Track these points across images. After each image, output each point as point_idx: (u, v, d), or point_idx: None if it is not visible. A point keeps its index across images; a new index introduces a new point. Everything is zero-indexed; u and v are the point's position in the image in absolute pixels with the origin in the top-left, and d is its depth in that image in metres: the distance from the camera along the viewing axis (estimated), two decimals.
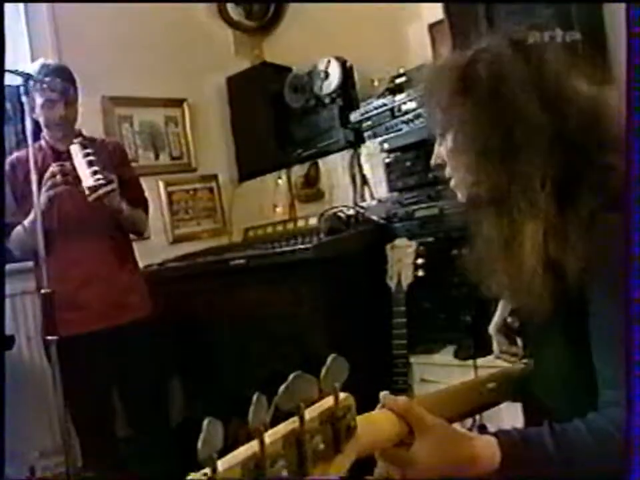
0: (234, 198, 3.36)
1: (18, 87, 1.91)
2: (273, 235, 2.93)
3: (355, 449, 0.61)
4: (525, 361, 1.17)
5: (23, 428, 2.40)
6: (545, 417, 1.00)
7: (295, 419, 0.55)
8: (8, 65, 1.75)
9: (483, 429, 1.60)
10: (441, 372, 2.02)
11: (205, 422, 0.50)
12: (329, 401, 0.59)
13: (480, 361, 1.84)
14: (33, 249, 2.01)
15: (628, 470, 0.77)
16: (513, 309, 1.17)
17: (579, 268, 0.84)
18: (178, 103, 3.20)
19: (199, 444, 0.49)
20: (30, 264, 2.22)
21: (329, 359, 0.60)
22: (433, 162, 1.05)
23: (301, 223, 2.92)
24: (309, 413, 0.56)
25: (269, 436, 0.54)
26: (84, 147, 1.98)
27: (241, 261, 2.28)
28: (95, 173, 1.92)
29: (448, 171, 1.03)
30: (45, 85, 1.99)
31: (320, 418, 0.58)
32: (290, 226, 2.97)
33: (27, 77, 1.90)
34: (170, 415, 2.47)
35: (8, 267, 2.34)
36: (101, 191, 1.91)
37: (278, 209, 3.16)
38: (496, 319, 1.29)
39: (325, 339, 2.12)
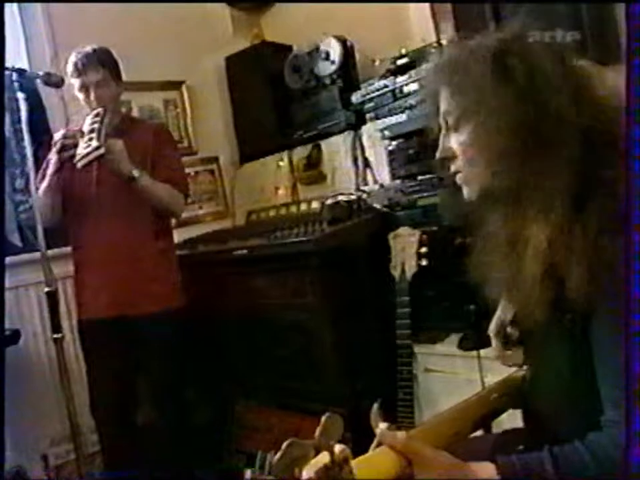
0: (235, 180, 3.34)
1: (12, 81, 1.90)
2: (276, 219, 2.92)
3: None
4: (525, 367, 1.16)
5: (33, 417, 2.44)
6: (545, 424, 1.01)
7: None
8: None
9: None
10: (445, 362, 2.03)
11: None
12: (325, 457, 0.58)
13: (483, 352, 1.84)
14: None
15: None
16: (512, 319, 1.15)
17: (583, 281, 0.82)
18: (176, 85, 3.15)
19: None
20: (35, 255, 2.22)
21: (323, 418, 0.59)
22: (439, 155, 1.00)
23: (303, 206, 2.89)
24: (305, 472, 0.56)
25: None
26: (96, 115, 1.99)
27: (244, 252, 2.27)
28: (89, 140, 1.93)
29: (458, 165, 0.98)
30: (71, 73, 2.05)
31: (317, 476, 0.57)
32: (293, 209, 2.95)
33: (20, 72, 1.87)
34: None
35: (11, 259, 2.37)
36: (90, 156, 1.90)
37: (280, 191, 3.13)
38: (495, 320, 1.28)
39: (328, 328, 2.13)
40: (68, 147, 1.97)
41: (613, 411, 0.83)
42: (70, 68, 2.10)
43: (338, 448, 0.60)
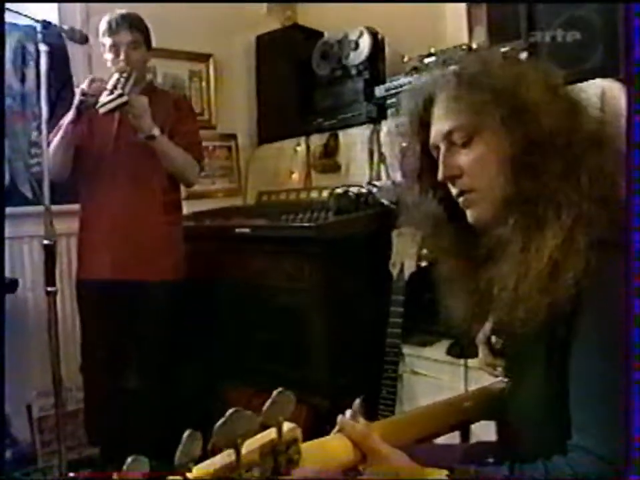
0: (251, 160, 3.33)
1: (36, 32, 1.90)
2: (286, 202, 2.91)
3: None
4: (505, 380, 1.14)
5: (22, 367, 2.45)
6: (517, 439, 0.99)
7: (232, 451, 0.54)
8: None
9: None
10: (432, 366, 2.01)
11: (185, 434, 0.52)
12: (272, 433, 0.58)
13: (470, 362, 1.83)
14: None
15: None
16: (494, 327, 1.13)
17: (571, 293, 0.81)
18: (204, 57, 3.14)
19: (177, 454, 0.51)
20: (41, 208, 2.24)
21: (274, 394, 0.58)
22: (443, 174, 0.94)
23: (314, 194, 2.88)
24: (249, 445, 0.55)
25: (203, 467, 0.53)
26: (122, 72, 2.01)
27: (246, 230, 2.27)
28: (113, 89, 1.95)
29: (465, 183, 0.93)
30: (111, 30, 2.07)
31: (260, 450, 0.56)
32: (303, 195, 2.93)
33: (44, 24, 1.87)
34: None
35: (18, 210, 2.39)
36: (113, 104, 1.93)
37: (294, 176, 3.11)
38: (484, 329, 1.27)
39: (321, 316, 2.12)
40: (91, 93, 1.98)
41: (577, 436, 0.82)
42: (103, 27, 2.11)
43: (287, 426, 0.59)
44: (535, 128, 0.86)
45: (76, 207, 2.31)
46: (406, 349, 2.05)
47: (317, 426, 2.00)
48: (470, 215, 0.95)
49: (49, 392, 2.55)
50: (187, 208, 2.95)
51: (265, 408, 0.56)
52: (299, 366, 2.16)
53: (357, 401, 0.81)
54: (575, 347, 0.83)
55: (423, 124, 1.00)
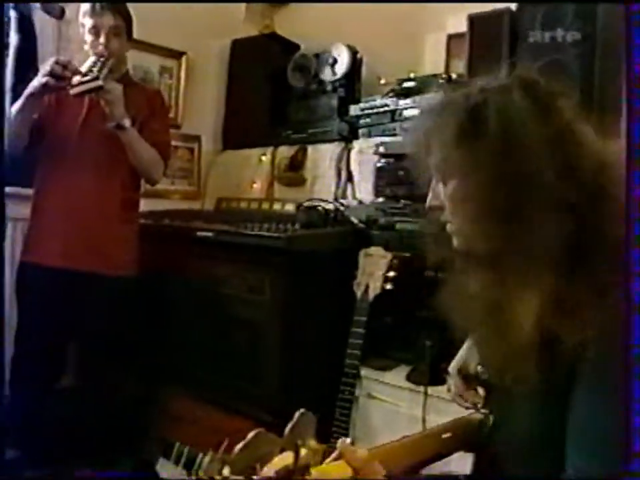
0: (214, 165, 3.25)
1: None
2: (247, 211, 2.85)
3: None
4: (483, 411, 1.12)
5: None
6: (499, 472, 0.96)
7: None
8: None
9: None
10: (389, 392, 1.97)
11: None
12: (288, 458, 0.52)
13: (431, 390, 1.81)
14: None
15: None
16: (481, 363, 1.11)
17: (577, 342, 0.78)
18: (177, 54, 3.06)
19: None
20: None
21: (297, 414, 0.52)
22: (428, 203, 0.96)
23: (276, 206, 2.82)
24: (266, 470, 0.49)
25: None
26: (100, 56, 1.94)
27: (209, 234, 2.18)
28: (89, 71, 1.87)
29: (446, 215, 0.93)
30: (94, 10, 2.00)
31: (276, 476, 0.50)
32: (265, 206, 2.88)
33: None
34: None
35: None
36: (87, 86, 1.84)
37: (255, 185, 3.05)
38: (457, 359, 1.24)
39: (278, 331, 2.05)
40: (58, 73, 1.86)
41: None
42: (86, 7, 2.04)
43: (304, 451, 0.53)
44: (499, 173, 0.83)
45: (26, 191, 2.19)
46: (364, 372, 2.01)
47: None
48: (454, 241, 0.95)
49: None
50: (142, 206, 2.85)
51: (287, 430, 0.50)
52: (251, 380, 2.09)
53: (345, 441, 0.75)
54: (579, 388, 0.80)
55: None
